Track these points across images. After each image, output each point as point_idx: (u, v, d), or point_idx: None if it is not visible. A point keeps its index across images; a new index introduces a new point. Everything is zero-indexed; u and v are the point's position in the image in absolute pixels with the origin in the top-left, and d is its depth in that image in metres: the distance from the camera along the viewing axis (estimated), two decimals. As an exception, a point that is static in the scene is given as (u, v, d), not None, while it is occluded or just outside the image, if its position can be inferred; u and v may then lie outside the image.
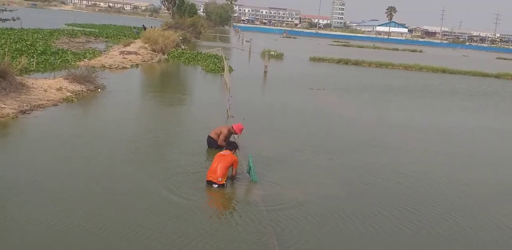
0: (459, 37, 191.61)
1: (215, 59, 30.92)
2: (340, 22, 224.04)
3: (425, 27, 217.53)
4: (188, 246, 6.29)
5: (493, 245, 7.36)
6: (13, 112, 12.18)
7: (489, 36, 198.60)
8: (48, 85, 15.39)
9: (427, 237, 7.29)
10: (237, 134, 10.89)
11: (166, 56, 31.62)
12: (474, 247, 7.24)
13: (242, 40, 61.21)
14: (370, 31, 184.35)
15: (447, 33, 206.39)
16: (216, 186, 8.30)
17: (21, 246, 6.01)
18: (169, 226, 6.76)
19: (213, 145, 10.68)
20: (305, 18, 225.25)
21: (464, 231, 7.66)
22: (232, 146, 9.06)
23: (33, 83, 15.03)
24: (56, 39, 34.86)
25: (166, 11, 74.75)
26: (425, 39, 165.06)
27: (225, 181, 8.40)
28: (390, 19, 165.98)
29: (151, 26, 48.46)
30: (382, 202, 8.48)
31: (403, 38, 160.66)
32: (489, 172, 11.28)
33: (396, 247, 7.00)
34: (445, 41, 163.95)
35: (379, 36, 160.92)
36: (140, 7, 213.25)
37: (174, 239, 6.42)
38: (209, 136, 10.85)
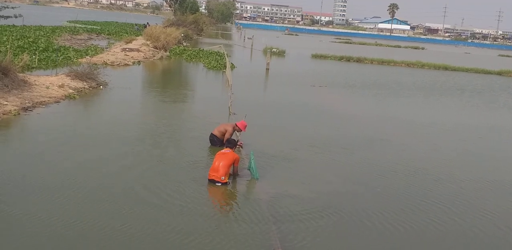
0: (461, 34, 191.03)
1: (217, 56, 30.88)
2: (342, 19, 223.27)
3: (427, 24, 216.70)
4: (189, 244, 6.27)
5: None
6: (15, 109, 12.18)
7: (492, 33, 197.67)
8: (50, 82, 15.38)
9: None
10: (241, 131, 10.85)
11: (168, 53, 31.59)
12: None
13: (244, 37, 61.13)
14: (372, 28, 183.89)
15: (449, 31, 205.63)
16: (220, 184, 8.28)
17: (21, 243, 5.99)
18: (170, 224, 6.72)
19: (216, 143, 10.62)
20: (307, 15, 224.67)
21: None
22: (232, 144, 9.05)
23: (35, 80, 15.03)
24: (58, 36, 34.84)
25: (168, 8, 74.70)
26: (427, 36, 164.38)
27: (228, 179, 8.38)
28: (392, 16, 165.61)
29: (148, 23, 48.47)
30: (386, 200, 8.42)
31: (405, 35, 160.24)
32: (502, 169, 11.22)
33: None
34: (447, 39, 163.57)
35: (381, 33, 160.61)
36: (142, 4, 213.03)
37: (174, 237, 6.40)
38: (212, 133, 10.80)
